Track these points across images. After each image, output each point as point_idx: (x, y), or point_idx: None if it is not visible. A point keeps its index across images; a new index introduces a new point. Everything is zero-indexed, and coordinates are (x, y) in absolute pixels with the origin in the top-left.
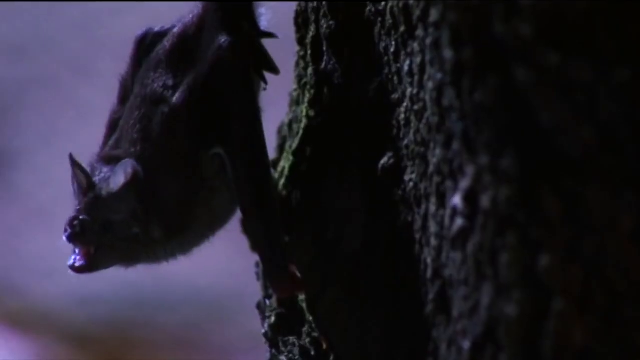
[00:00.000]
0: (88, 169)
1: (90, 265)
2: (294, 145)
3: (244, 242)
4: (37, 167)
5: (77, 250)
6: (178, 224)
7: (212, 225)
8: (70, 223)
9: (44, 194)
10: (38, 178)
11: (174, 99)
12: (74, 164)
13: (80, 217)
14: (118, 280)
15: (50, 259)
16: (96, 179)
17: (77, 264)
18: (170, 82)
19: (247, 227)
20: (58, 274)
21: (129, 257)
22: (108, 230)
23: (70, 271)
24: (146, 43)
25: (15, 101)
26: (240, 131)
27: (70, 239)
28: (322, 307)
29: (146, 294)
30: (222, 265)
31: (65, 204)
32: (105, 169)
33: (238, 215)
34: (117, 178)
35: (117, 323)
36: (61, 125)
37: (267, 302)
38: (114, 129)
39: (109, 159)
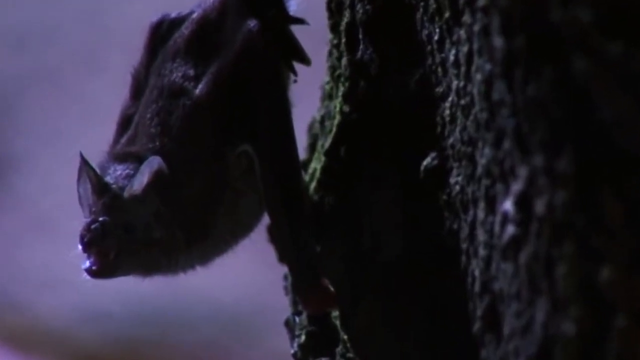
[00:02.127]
0: (98, 169)
1: (109, 269)
2: (327, 145)
3: (270, 252)
4: (40, 171)
5: (91, 255)
6: (199, 229)
7: (236, 231)
8: (88, 227)
9: (47, 200)
10: (40, 183)
11: (196, 90)
12: (85, 163)
13: (100, 219)
14: (128, 294)
15: (53, 271)
16: (108, 178)
17: (94, 268)
18: (191, 73)
19: (275, 235)
20: (62, 286)
21: (148, 265)
22: (129, 234)
23: (85, 276)
24: (162, 31)
25: (15, 98)
26: (270, 126)
27: (90, 244)
28: (357, 324)
29: (160, 310)
30: (246, 278)
31: (70, 211)
32: (119, 167)
33: (264, 222)
34: (143, 177)
35: (128, 342)
36: (66, 125)
37: (297, 319)
38: (126, 126)
39: (124, 157)
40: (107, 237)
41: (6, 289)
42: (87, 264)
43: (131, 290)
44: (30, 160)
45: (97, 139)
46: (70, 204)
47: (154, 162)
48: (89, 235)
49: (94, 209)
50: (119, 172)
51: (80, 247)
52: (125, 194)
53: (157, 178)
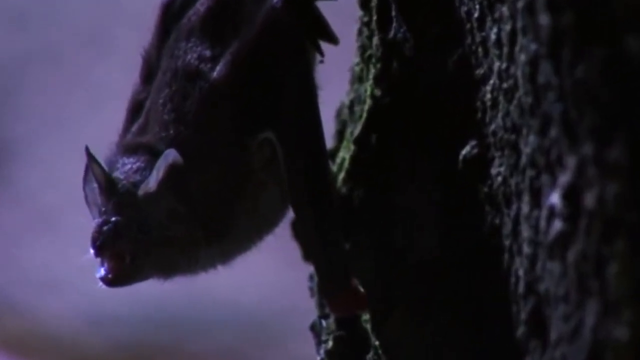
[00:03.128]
0: (105, 163)
1: (126, 275)
2: (356, 132)
3: (294, 250)
4: (41, 161)
5: (105, 260)
6: (220, 225)
7: (258, 227)
8: (100, 228)
9: (49, 193)
10: (42, 174)
11: (214, 72)
12: (91, 159)
13: (112, 220)
14: (138, 295)
15: (56, 271)
16: (117, 173)
17: (110, 275)
18: (207, 53)
19: (300, 231)
20: (65, 288)
21: (167, 266)
22: (144, 234)
23: (101, 284)
24: (174, 8)
25: (14, 80)
26: (294, 112)
27: (102, 247)
28: (389, 329)
29: (173, 313)
30: (268, 278)
31: (75, 205)
32: (129, 161)
33: (289, 217)
34: (159, 174)
35: (138, 348)
36: (70, 111)
37: (324, 323)
38: (136, 113)
39: (134, 148)
40: (121, 238)
41: (5, 291)
42: (102, 271)
43: (141, 291)
44: (31, 149)
45: (104, 126)
46: (75, 198)
47: (170, 156)
48: (101, 238)
49: (103, 209)
50: (128, 166)
51: (91, 250)
52: (140, 192)
53: (172, 172)
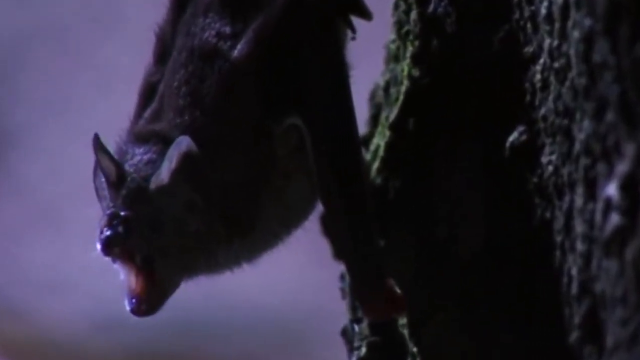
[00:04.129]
0: (114, 153)
1: (157, 296)
2: (392, 116)
3: (324, 247)
4: (44, 151)
5: (113, 257)
6: (243, 220)
7: (285, 222)
8: (108, 223)
9: (52, 185)
10: (44, 165)
11: (234, 51)
12: (99, 148)
13: (122, 214)
14: None
15: (59, 271)
16: (127, 165)
17: (142, 306)
18: (227, 30)
19: (330, 227)
20: (69, 289)
21: (185, 267)
22: (156, 232)
23: (134, 316)
24: None
25: (14, 61)
26: (324, 95)
27: (110, 243)
28: (430, 334)
29: (190, 317)
30: (294, 278)
31: (80, 198)
32: (140, 151)
33: (318, 211)
34: (171, 164)
35: (150, 355)
36: (75, 94)
37: (356, 327)
38: (149, 97)
39: (146, 136)
40: (131, 235)
41: (4, 292)
42: (131, 304)
43: None
44: (32, 137)
45: (113, 112)
46: (81, 190)
47: (182, 144)
48: (110, 233)
49: (112, 204)
50: (139, 157)
51: (98, 247)
52: (152, 186)
53: (186, 162)
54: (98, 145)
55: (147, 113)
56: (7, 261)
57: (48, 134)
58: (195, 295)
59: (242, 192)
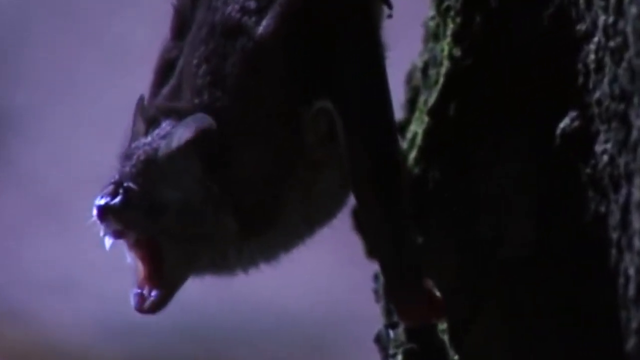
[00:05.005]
0: (144, 121)
1: (165, 285)
2: (432, 101)
3: (356, 245)
4: (47, 136)
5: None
6: (261, 215)
7: (310, 219)
8: (110, 189)
9: (56, 175)
10: (48, 152)
11: (259, 28)
12: (140, 106)
13: (125, 184)
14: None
15: (64, 269)
16: (141, 140)
17: (148, 299)
18: (251, 4)
19: (363, 222)
20: (76, 291)
21: (193, 258)
22: (160, 211)
23: (141, 314)
24: None
25: (15, 38)
26: (357, 77)
27: (105, 211)
28: (472, 340)
29: (207, 321)
30: (322, 279)
31: (87, 190)
32: (161, 124)
33: (349, 205)
34: (185, 132)
35: None
36: (83, 73)
37: (391, 333)
38: (167, 74)
39: (166, 112)
40: (129, 207)
41: (3, 293)
42: (136, 299)
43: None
44: (34, 122)
45: (125, 93)
46: (89, 180)
47: (203, 119)
48: (107, 201)
49: (119, 172)
50: (156, 131)
51: (94, 212)
52: (160, 154)
53: (203, 138)
54: (140, 106)
55: (166, 90)
56: (7, 259)
57: (52, 119)
58: (212, 297)
59: (262, 184)
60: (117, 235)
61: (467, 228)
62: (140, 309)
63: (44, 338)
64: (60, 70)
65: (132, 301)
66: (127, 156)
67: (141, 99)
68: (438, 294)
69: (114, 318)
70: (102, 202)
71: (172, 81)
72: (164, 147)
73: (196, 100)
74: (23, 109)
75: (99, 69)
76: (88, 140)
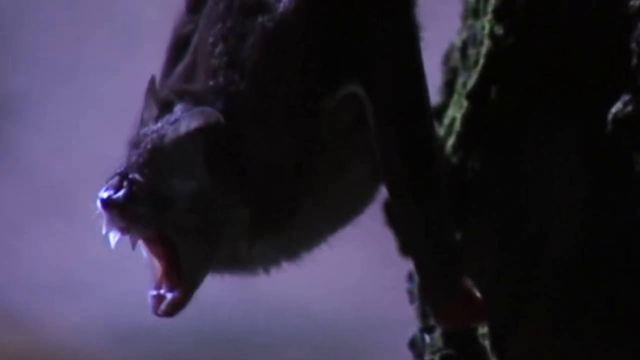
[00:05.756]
0: (158, 104)
1: (185, 282)
2: (471, 83)
3: (388, 241)
4: (50, 123)
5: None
6: (275, 210)
7: (332, 215)
8: (114, 181)
9: (60, 165)
10: (50, 140)
11: (281, 4)
12: (151, 90)
13: (130, 176)
14: None
15: (69, 268)
16: (157, 126)
17: (169, 299)
18: None
19: (396, 216)
20: (83, 291)
21: (208, 252)
22: (166, 203)
23: (159, 316)
24: None
25: (16, 16)
26: (388, 58)
27: (108, 204)
28: (515, 346)
29: (227, 325)
30: (352, 279)
31: (93, 182)
32: (168, 114)
33: (380, 199)
34: (188, 122)
35: None
36: (88, 55)
37: (427, 338)
38: (180, 51)
39: (180, 95)
40: (133, 201)
41: (3, 295)
42: (153, 292)
43: None
44: (37, 107)
45: (135, 75)
46: (95, 171)
47: (212, 114)
48: (110, 194)
49: (126, 162)
50: (167, 117)
51: (98, 201)
52: (166, 140)
53: (212, 127)
54: (153, 87)
55: (180, 68)
56: (6, 257)
57: (55, 104)
58: (229, 298)
59: (276, 177)
60: (122, 231)
61: (510, 223)
62: (157, 311)
63: (46, 344)
64: (63, 50)
65: (149, 303)
66: (135, 144)
67: (152, 80)
68: (478, 294)
69: (122, 321)
70: (105, 195)
71: (187, 59)
72: (170, 134)
73: (211, 82)
74: (22, 93)
75: (105, 49)
76: (94, 127)
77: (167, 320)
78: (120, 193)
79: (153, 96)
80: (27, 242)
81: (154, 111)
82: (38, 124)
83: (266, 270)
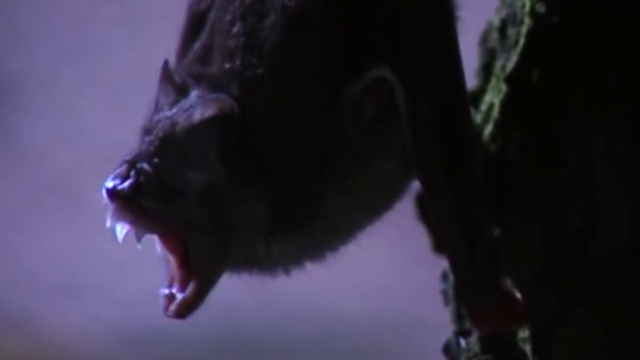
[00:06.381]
0: (173, 88)
1: (197, 281)
2: (510, 66)
3: (420, 238)
4: (53, 108)
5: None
6: (296, 206)
7: (358, 212)
8: (122, 170)
9: (64, 154)
10: (54, 127)
11: None
12: (166, 75)
13: (138, 165)
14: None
15: (74, 268)
16: (170, 111)
17: (180, 299)
18: None
19: (430, 210)
20: (89, 293)
21: (221, 250)
22: (175, 195)
23: (169, 318)
24: None
25: None
26: (422, 39)
27: (114, 195)
28: (559, 351)
29: (245, 329)
30: (382, 280)
31: (100, 172)
32: (183, 99)
33: (412, 192)
34: (202, 110)
35: None
36: (94, 35)
37: (463, 342)
38: (196, 29)
39: (197, 78)
40: (139, 192)
41: (2, 297)
42: (166, 294)
43: None
44: (39, 91)
45: (144, 57)
46: (102, 160)
47: (226, 102)
48: (115, 184)
49: (136, 149)
50: (181, 102)
51: (104, 192)
52: (179, 130)
53: (227, 116)
54: (167, 72)
55: (197, 46)
56: (6, 254)
57: (59, 88)
58: (247, 299)
59: (295, 170)
60: (127, 224)
61: (553, 218)
62: (167, 312)
63: (48, 348)
64: (67, 29)
65: (161, 303)
66: (147, 131)
67: (166, 63)
68: (518, 295)
69: (132, 324)
70: (111, 184)
71: (203, 38)
72: (183, 122)
73: (227, 65)
74: (23, 76)
75: (113, 28)
76: (101, 112)
77: (180, 324)
78: (127, 183)
79: (168, 80)
80: (28, 238)
81: (170, 96)
82: (40, 110)
83: (287, 272)
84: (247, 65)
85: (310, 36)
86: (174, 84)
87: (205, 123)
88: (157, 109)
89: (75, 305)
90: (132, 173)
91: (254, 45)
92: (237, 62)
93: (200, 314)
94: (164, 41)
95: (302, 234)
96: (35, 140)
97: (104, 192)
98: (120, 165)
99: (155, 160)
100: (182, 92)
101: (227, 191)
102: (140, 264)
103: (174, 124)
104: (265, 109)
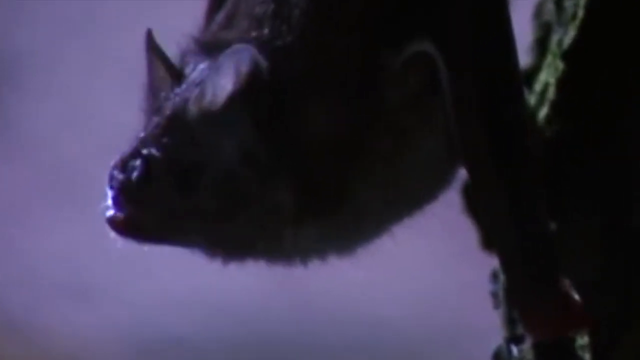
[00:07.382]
0: (175, 63)
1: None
2: (568, 41)
3: (467, 233)
4: (56, 89)
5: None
6: (325, 191)
7: (396, 200)
8: (124, 162)
9: (68, 141)
10: (57, 110)
11: None
12: (152, 47)
13: (144, 152)
14: (215, 305)
15: (79, 268)
16: (181, 88)
17: (123, 220)
18: None
19: (479, 203)
20: (98, 294)
21: (233, 242)
22: (191, 184)
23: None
24: None
25: None
26: (469, 10)
27: (121, 190)
28: (623, 358)
29: (272, 335)
30: (425, 280)
31: (108, 159)
32: (202, 64)
33: (458, 182)
34: (221, 80)
35: None
36: (101, 9)
37: (514, 349)
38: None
39: (212, 47)
40: (151, 184)
41: (2, 299)
42: (112, 212)
43: (219, 298)
44: (41, 69)
45: (158, 32)
46: (110, 148)
47: (242, 55)
48: (122, 177)
49: (140, 136)
50: (194, 74)
51: (108, 191)
52: (191, 107)
53: (250, 85)
54: (152, 43)
55: (220, 17)
56: (6, 251)
57: (63, 66)
58: (274, 302)
59: (327, 150)
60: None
61: (615, 212)
62: (116, 222)
63: (54, 356)
64: (73, 4)
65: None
66: (155, 111)
67: (149, 33)
68: (577, 297)
69: (146, 330)
70: (117, 179)
71: (228, 6)
72: (195, 99)
73: (253, 33)
74: (24, 53)
75: (122, 2)
76: (111, 94)
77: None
78: (131, 176)
79: (156, 54)
80: (31, 233)
81: (161, 71)
82: (43, 91)
83: (304, 262)
84: (275, 35)
85: (345, 2)
86: (186, 54)
87: (228, 94)
88: (153, 86)
89: (83, 308)
90: (138, 161)
91: (282, 13)
92: (265, 30)
93: (222, 319)
94: (180, 13)
95: (326, 226)
96: (37, 125)
97: (108, 188)
98: (125, 152)
99: (165, 143)
100: (205, 52)
101: (247, 177)
102: (155, 263)
103: (185, 101)
104: (293, 81)
